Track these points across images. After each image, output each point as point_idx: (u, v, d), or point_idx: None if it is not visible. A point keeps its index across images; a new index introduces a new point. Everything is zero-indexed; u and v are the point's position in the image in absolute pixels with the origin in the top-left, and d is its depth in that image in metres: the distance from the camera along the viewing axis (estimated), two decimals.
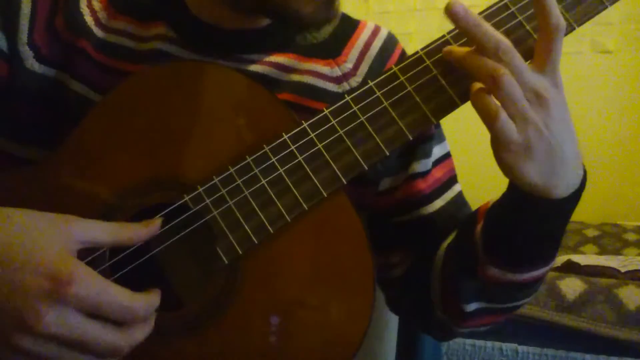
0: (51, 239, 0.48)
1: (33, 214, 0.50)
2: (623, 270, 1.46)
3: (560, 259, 1.59)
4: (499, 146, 0.54)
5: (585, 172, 0.58)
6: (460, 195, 0.78)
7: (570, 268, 1.51)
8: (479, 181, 1.47)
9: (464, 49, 0.56)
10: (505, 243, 0.60)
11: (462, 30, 0.54)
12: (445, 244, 0.70)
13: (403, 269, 0.75)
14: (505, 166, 0.55)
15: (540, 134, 0.53)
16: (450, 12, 0.54)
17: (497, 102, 0.53)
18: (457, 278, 0.66)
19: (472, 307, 0.66)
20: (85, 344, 0.47)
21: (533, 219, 0.58)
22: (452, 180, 0.78)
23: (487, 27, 0.53)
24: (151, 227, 0.54)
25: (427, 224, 0.74)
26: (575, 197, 0.58)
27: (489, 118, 0.53)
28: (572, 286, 1.36)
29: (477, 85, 0.56)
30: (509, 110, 0.53)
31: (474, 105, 0.55)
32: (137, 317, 0.50)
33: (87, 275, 0.47)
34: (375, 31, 0.76)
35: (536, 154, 0.54)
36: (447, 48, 0.57)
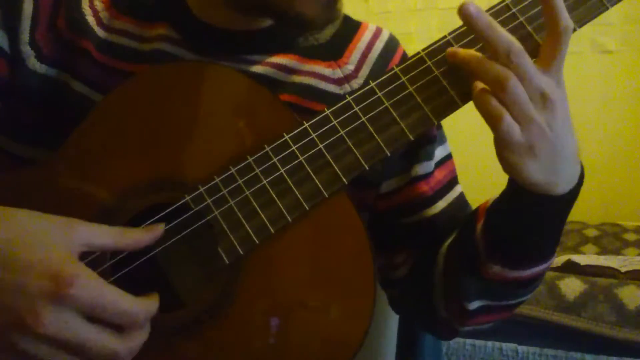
0: (55, 240, 0.48)
1: (37, 215, 0.49)
2: (623, 270, 1.46)
3: (560, 259, 1.59)
4: (503, 146, 0.55)
5: (582, 167, 0.59)
6: (461, 195, 0.78)
7: (570, 268, 1.51)
8: (480, 181, 1.47)
9: (469, 52, 0.56)
10: (508, 241, 0.61)
11: (475, 31, 0.54)
12: (446, 243, 0.71)
13: (406, 269, 0.75)
14: (508, 165, 0.56)
15: (544, 134, 0.54)
16: (463, 14, 0.54)
17: (500, 104, 0.53)
18: (460, 277, 0.66)
19: (474, 305, 0.67)
20: (82, 347, 0.47)
21: (535, 216, 0.59)
22: (453, 181, 0.78)
23: (500, 29, 0.53)
24: (154, 232, 0.54)
25: (430, 225, 0.74)
26: (574, 192, 0.58)
27: (493, 120, 0.54)
28: (572, 286, 1.36)
29: (479, 85, 0.56)
30: (513, 113, 0.53)
31: (478, 106, 0.55)
32: (136, 322, 0.50)
33: (89, 278, 0.47)
34: (377, 33, 0.76)
35: (539, 154, 0.54)
36: (451, 50, 0.57)
